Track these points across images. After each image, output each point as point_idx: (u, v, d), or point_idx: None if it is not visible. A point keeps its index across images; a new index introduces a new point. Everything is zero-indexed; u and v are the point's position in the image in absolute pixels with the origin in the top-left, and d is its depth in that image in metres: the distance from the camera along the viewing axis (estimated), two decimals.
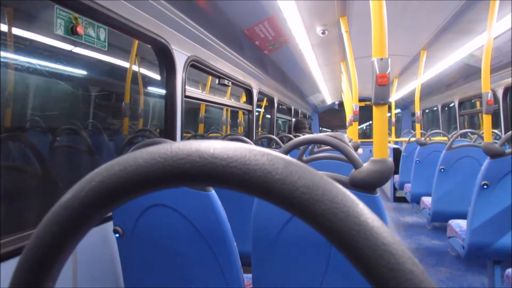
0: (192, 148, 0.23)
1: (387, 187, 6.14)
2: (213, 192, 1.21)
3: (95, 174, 0.25)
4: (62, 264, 0.27)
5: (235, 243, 1.24)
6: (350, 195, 0.22)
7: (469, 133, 4.71)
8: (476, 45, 3.49)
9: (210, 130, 5.06)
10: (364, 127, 10.53)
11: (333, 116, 10.28)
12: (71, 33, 1.39)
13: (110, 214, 1.46)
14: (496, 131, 4.14)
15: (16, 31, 1.54)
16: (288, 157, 0.23)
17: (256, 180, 0.22)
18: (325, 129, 10.48)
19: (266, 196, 0.23)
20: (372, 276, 0.21)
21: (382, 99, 1.32)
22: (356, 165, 1.20)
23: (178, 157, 0.23)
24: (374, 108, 1.34)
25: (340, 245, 0.22)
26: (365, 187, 1.15)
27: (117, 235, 1.33)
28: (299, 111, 8.25)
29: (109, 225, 1.49)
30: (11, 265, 1.09)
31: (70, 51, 1.86)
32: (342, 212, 0.21)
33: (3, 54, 1.48)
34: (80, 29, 1.41)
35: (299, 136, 1.56)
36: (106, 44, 1.61)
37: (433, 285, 0.21)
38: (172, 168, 0.23)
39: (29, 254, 0.25)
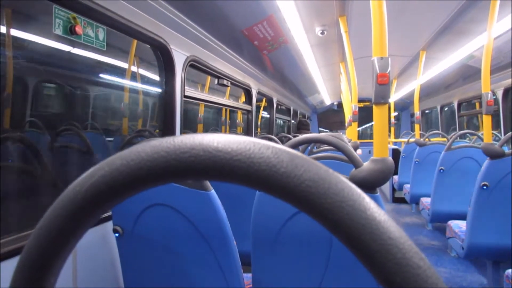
0: (196, 142, 0.23)
1: (386, 187, 6.15)
2: (213, 191, 1.20)
3: (96, 169, 0.24)
4: (63, 261, 0.26)
5: (234, 243, 1.24)
6: (356, 189, 0.22)
7: (468, 134, 4.72)
8: (476, 45, 3.50)
9: (209, 130, 5.05)
10: (361, 131, 10.53)
11: (332, 117, 10.28)
12: (69, 33, 1.38)
13: (110, 213, 1.46)
14: (495, 132, 4.14)
15: (14, 32, 1.53)
16: (293, 151, 0.23)
17: (261, 173, 0.22)
18: (322, 129, 10.48)
19: (271, 189, 0.22)
20: (378, 270, 0.21)
21: (382, 98, 1.32)
22: (356, 165, 1.20)
23: (181, 151, 0.23)
24: (374, 107, 1.34)
25: (346, 239, 0.21)
26: (365, 186, 1.15)
27: (116, 234, 1.32)
28: (298, 111, 8.25)
29: (109, 225, 1.49)
30: (11, 264, 1.09)
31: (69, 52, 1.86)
32: (348, 206, 0.21)
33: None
34: (78, 29, 1.40)
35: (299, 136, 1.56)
36: (105, 44, 1.61)
37: (440, 280, 0.21)
38: (176, 162, 0.23)
39: (30, 251, 0.25)
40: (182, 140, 0.23)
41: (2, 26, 1.45)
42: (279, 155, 0.22)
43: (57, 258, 0.25)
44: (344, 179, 0.22)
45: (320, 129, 10.44)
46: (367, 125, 10.35)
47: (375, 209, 0.21)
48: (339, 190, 0.21)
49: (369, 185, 1.15)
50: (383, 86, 1.32)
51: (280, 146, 0.23)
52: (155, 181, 0.24)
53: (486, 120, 2.40)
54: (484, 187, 2.22)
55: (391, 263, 0.20)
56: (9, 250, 1.11)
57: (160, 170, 0.23)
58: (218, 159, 0.22)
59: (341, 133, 1.68)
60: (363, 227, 0.21)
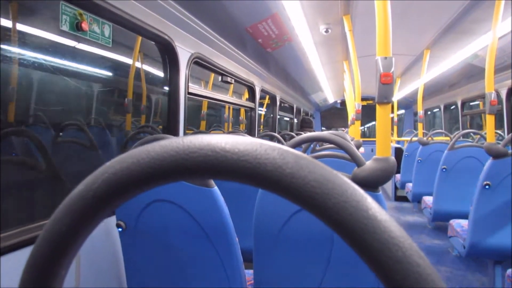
0: (204, 142, 0.24)
1: (388, 186, 6.15)
2: (215, 188, 1.21)
3: (107, 167, 0.25)
4: (73, 255, 0.27)
5: (237, 239, 1.25)
6: (359, 190, 0.23)
7: (471, 134, 4.71)
8: (480, 45, 3.48)
9: (212, 127, 5.06)
10: (365, 129, 10.51)
11: (335, 115, 10.25)
12: (76, 29, 1.39)
13: None
14: (499, 131, 4.13)
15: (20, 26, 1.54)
16: (298, 152, 0.24)
17: (267, 174, 0.23)
18: (324, 128, 10.45)
19: (277, 189, 0.23)
20: (379, 268, 0.21)
21: (385, 98, 1.32)
22: (359, 163, 1.20)
23: (190, 151, 0.24)
24: (377, 106, 1.34)
25: (349, 238, 0.22)
26: (367, 185, 1.15)
27: (119, 229, 1.34)
28: (301, 109, 8.24)
29: (112, 219, 1.50)
30: (10, 259, 1.10)
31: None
32: (351, 207, 0.22)
33: (7, 48, 1.48)
34: (85, 25, 1.41)
35: (302, 134, 1.56)
36: (111, 40, 1.62)
37: (439, 278, 0.21)
38: (184, 161, 0.23)
39: (43, 243, 0.26)
40: (191, 141, 0.24)
41: (7, 20, 1.46)
42: (285, 156, 0.23)
43: (69, 251, 0.26)
44: (348, 180, 0.23)
45: (323, 128, 10.42)
46: (374, 122, 10.33)
47: (376, 209, 0.22)
48: (343, 191, 0.22)
49: (371, 184, 1.16)
50: (386, 85, 1.32)
51: (286, 147, 0.24)
52: (164, 180, 0.25)
53: (489, 120, 2.39)
54: (487, 187, 2.22)
55: (392, 261, 0.21)
56: (10, 244, 1.12)
57: (169, 169, 0.24)
58: (225, 159, 0.23)
59: (343, 132, 1.68)
60: (365, 226, 0.21)
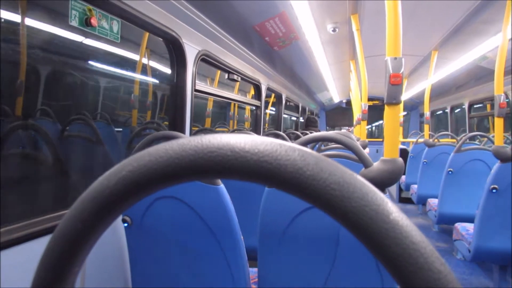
0: (223, 142, 0.24)
1: (393, 187, 6.12)
2: (222, 185, 1.21)
3: (125, 164, 0.25)
4: (88, 252, 0.27)
5: (242, 237, 1.25)
6: (379, 194, 0.22)
7: (478, 136, 4.67)
8: (489, 46, 3.45)
9: (217, 124, 5.06)
10: (373, 128, 10.47)
11: (340, 115, 10.23)
12: (85, 24, 1.39)
13: None
14: (507, 134, 4.09)
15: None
16: (318, 154, 0.23)
17: (288, 175, 0.22)
18: (329, 128, 10.43)
19: (297, 191, 0.23)
20: (400, 274, 0.21)
21: (394, 99, 1.31)
22: (366, 164, 1.19)
23: (209, 150, 0.23)
24: (386, 107, 1.33)
25: (369, 242, 0.22)
26: (374, 186, 1.15)
27: (125, 224, 1.34)
28: (307, 108, 8.23)
29: None
30: (8, 254, 1.10)
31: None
32: (372, 211, 0.21)
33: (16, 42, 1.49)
34: (94, 21, 1.42)
35: (306, 133, 1.56)
36: (119, 36, 1.62)
37: (460, 286, 0.21)
38: (203, 161, 0.23)
39: (58, 240, 0.26)
40: (210, 140, 0.24)
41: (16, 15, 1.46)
42: (305, 157, 0.23)
43: (84, 247, 0.26)
44: (368, 184, 0.23)
45: (328, 128, 10.40)
46: (381, 121, 10.30)
47: (398, 214, 0.22)
48: (364, 194, 0.22)
49: (378, 185, 1.15)
50: (395, 86, 1.31)
51: (306, 149, 0.23)
52: (181, 179, 0.24)
53: (498, 123, 2.37)
54: (494, 191, 2.21)
55: (413, 267, 0.21)
56: (9, 239, 1.12)
57: (187, 168, 0.24)
58: (245, 160, 0.23)
59: (349, 132, 1.68)
60: (386, 231, 0.21)
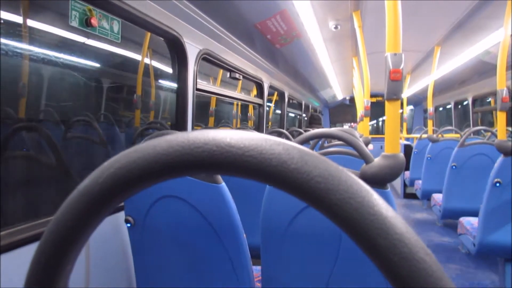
0: (209, 137, 0.24)
1: (397, 183, 6.11)
2: (223, 184, 1.21)
3: (113, 161, 0.25)
4: (79, 249, 0.27)
5: (244, 235, 1.25)
6: (364, 186, 0.23)
7: (482, 131, 4.65)
8: (492, 41, 3.43)
9: (220, 123, 5.07)
10: (379, 123, 10.44)
11: (343, 112, 10.20)
12: (85, 25, 1.40)
13: (122, 204, 1.48)
14: (510, 128, 4.06)
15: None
16: (303, 147, 0.24)
17: (272, 169, 0.23)
18: (332, 124, 10.41)
19: (282, 185, 0.23)
20: (385, 265, 0.21)
21: (394, 94, 1.31)
22: (367, 160, 1.19)
23: (195, 146, 0.24)
24: (386, 103, 1.33)
25: (354, 234, 0.22)
26: (376, 182, 1.15)
27: (128, 224, 1.35)
28: (310, 106, 8.21)
29: (121, 215, 1.51)
30: (9, 257, 1.11)
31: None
32: (356, 202, 0.22)
33: (19, 45, 1.50)
34: (94, 21, 1.42)
35: (310, 130, 1.56)
36: (119, 36, 1.63)
37: (446, 275, 0.21)
38: (190, 156, 0.24)
39: (49, 237, 0.26)
40: (197, 136, 0.24)
41: (18, 16, 1.47)
42: (290, 151, 0.23)
43: (74, 246, 0.26)
44: (353, 176, 0.23)
45: (332, 125, 10.38)
46: (376, 120, 10.28)
47: (382, 205, 0.22)
48: (348, 187, 0.22)
49: (379, 181, 1.15)
50: (395, 82, 1.31)
51: (290, 143, 0.24)
52: (169, 174, 0.25)
53: (501, 117, 2.37)
54: (497, 184, 2.20)
55: (397, 258, 0.21)
56: (10, 242, 1.13)
57: (175, 164, 0.24)
58: (230, 155, 0.23)
59: (352, 128, 1.67)
60: (371, 222, 0.21)
